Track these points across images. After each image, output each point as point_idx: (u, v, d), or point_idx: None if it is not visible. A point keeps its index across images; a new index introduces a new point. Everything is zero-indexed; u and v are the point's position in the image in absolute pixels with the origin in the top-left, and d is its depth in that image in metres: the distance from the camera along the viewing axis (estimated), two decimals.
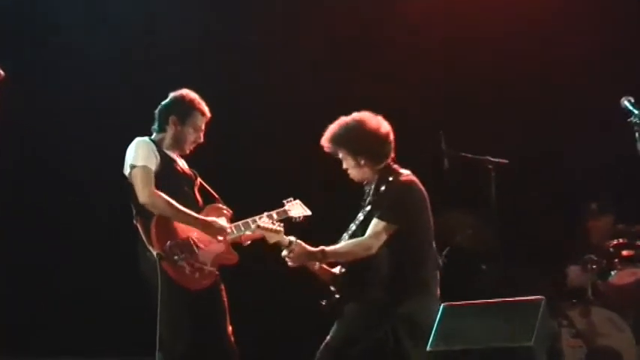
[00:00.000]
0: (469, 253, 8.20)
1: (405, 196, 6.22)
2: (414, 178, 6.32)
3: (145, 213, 6.46)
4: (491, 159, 7.93)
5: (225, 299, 6.69)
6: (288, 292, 8.73)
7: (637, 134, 5.94)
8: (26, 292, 9.27)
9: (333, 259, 6.25)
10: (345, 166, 6.42)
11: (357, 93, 8.29)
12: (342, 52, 9.27)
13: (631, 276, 8.19)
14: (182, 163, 6.78)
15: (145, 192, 6.40)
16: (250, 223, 6.64)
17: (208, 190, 6.86)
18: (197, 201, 6.74)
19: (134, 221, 6.54)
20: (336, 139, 6.38)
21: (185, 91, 6.77)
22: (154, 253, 6.34)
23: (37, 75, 9.30)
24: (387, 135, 6.35)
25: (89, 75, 9.25)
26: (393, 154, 6.37)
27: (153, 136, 6.72)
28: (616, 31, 8.92)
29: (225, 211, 6.76)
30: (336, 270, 6.32)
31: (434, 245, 6.34)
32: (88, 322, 9.18)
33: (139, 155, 6.51)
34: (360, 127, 6.33)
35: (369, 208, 6.26)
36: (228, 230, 6.60)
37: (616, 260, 8.22)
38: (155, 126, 6.75)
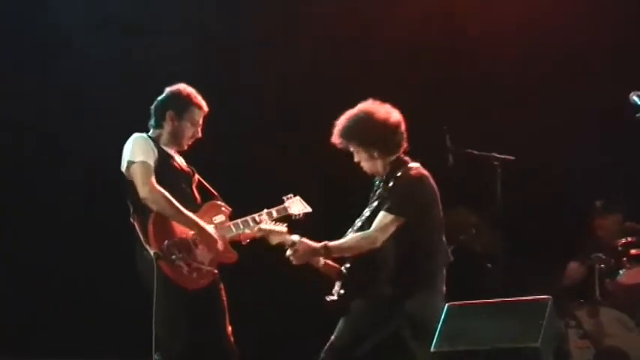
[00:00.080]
0: (474, 252, 8.05)
1: (415, 190, 5.99)
2: (424, 171, 6.09)
3: (142, 211, 6.25)
4: (497, 155, 7.74)
5: (225, 299, 6.49)
6: (289, 291, 8.63)
7: None
8: (26, 292, 9.14)
9: (337, 254, 6.03)
10: (356, 159, 6.19)
11: (358, 88, 8.08)
12: (341, 52, 9.17)
13: None
14: (180, 160, 6.58)
15: (145, 187, 6.20)
16: (250, 221, 6.46)
17: (207, 187, 6.66)
18: (195, 198, 6.54)
19: (131, 219, 6.34)
20: (346, 133, 6.13)
21: (182, 86, 6.59)
22: (151, 252, 6.13)
23: (37, 75, 9.19)
24: (397, 124, 6.12)
25: (89, 75, 9.11)
26: (405, 145, 6.14)
27: (150, 133, 6.52)
28: (622, 26, 8.84)
29: (224, 209, 6.55)
30: (342, 266, 6.10)
31: (444, 240, 6.12)
32: (88, 322, 9.05)
33: (138, 151, 6.31)
34: (369, 118, 6.09)
35: (376, 203, 6.04)
36: (221, 242, 6.38)
37: (625, 259, 8.01)
38: (152, 122, 6.55)
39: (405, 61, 8.97)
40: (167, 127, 6.50)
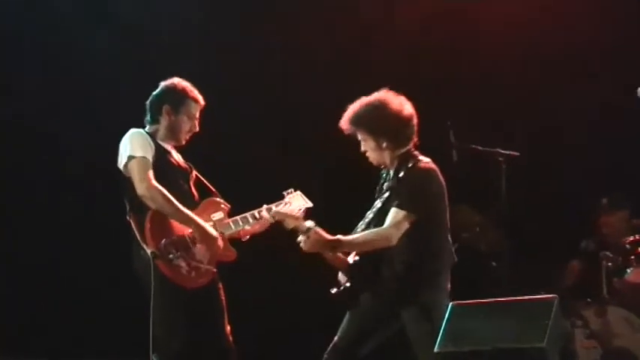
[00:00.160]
0: (478, 250, 7.92)
1: (425, 184, 5.79)
2: (433, 165, 5.88)
3: (138, 209, 6.05)
4: (502, 151, 7.56)
5: (223, 298, 6.30)
6: (289, 290, 8.60)
7: None
8: (26, 292, 9.03)
9: (350, 249, 5.83)
10: (363, 148, 5.97)
11: (358, 89, 8.02)
12: (341, 52, 9.08)
13: None
14: (177, 156, 6.39)
15: (142, 184, 6.00)
16: (249, 217, 6.28)
17: (205, 183, 6.47)
18: (193, 195, 6.35)
19: (127, 217, 6.15)
20: (356, 120, 5.92)
21: (176, 80, 6.42)
22: (148, 251, 5.93)
23: (37, 75, 9.07)
24: (410, 117, 5.92)
25: (89, 74, 9.00)
26: (415, 139, 5.94)
27: (146, 128, 6.33)
28: (622, 26, 8.75)
29: (222, 206, 6.35)
30: (349, 258, 5.91)
31: (449, 238, 5.93)
32: (87, 322, 8.94)
33: (135, 146, 6.11)
34: (382, 107, 5.87)
35: (387, 194, 5.83)
36: (220, 240, 6.19)
37: (632, 257, 7.75)
38: (148, 117, 6.37)
39: (405, 61, 8.86)
40: (164, 121, 6.32)
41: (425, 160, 5.87)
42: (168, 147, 6.32)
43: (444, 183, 5.88)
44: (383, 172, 6.02)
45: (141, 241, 5.99)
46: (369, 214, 5.88)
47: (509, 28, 8.88)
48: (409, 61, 8.86)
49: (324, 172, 8.73)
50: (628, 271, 7.79)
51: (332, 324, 6.04)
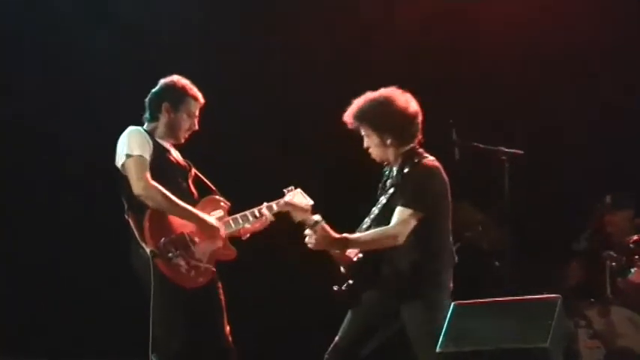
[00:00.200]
0: (480, 249, 7.83)
1: (429, 182, 5.68)
2: (437, 163, 5.78)
3: (137, 207, 5.94)
4: (505, 149, 7.44)
5: (223, 297, 6.19)
6: (289, 288, 8.56)
7: None
8: (26, 292, 8.96)
9: (356, 248, 5.70)
10: (366, 144, 5.85)
11: (358, 89, 8.00)
12: (342, 52, 9.01)
13: None
14: (176, 154, 6.27)
15: (139, 183, 5.88)
16: (249, 215, 6.17)
17: (204, 181, 6.36)
18: (192, 193, 6.23)
19: (125, 216, 6.04)
20: (361, 115, 5.80)
21: (176, 77, 6.30)
22: (147, 250, 5.82)
23: (37, 75, 9.01)
24: (415, 114, 5.81)
25: (89, 74, 8.94)
26: (420, 137, 5.84)
27: (145, 126, 6.21)
28: (622, 26, 8.71)
29: (222, 204, 6.23)
30: (353, 256, 5.79)
31: (451, 238, 5.82)
32: (87, 322, 8.88)
33: (133, 144, 5.99)
34: (388, 103, 5.77)
35: (391, 190, 5.71)
36: (223, 229, 6.09)
37: (636, 257, 7.66)
38: (147, 115, 6.25)
39: (405, 61, 8.78)
40: (163, 119, 6.20)
41: (429, 158, 5.78)
42: (167, 145, 6.21)
43: (447, 182, 5.78)
44: (386, 169, 5.92)
45: (140, 240, 5.89)
46: (375, 210, 5.77)
47: (509, 28, 8.84)
48: (409, 61, 8.79)
49: (324, 172, 8.66)
50: (632, 270, 7.70)
51: (332, 323, 5.97)
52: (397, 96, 5.81)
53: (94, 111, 8.88)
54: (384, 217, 5.66)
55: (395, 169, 5.80)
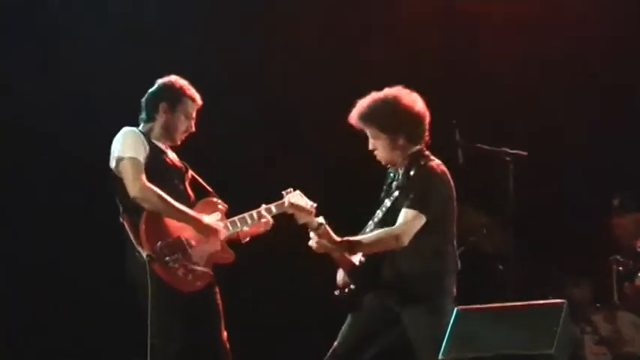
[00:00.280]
0: (485, 253, 7.70)
1: (435, 185, 5.51)
2: (444, 167, 5.60)
3: (132, 210, 5.76)
4: (509, 150, 7.22)
5: (220, 302, 6.01)
6: (289, 289, 8.45)
7: None
8: (26, 292, 8.76)
9: (360, 250, 5.53)
10: (371, 146, 5.65)
11: (358, 89, 7.92)
12: (342, 52, 8.90)
13: None
14: (172, 155, 6.08)
15: (136, 185, 5.70)
16: (247, 218, 5.96)
17: (201, 183, 6.18)
18: (188, 195, 6.04)
19: (120, 219, 5.87)
20: (368, 115, 5.61)
21: (174, 77, 6.11)
22: (144, 254, 5.63)
23: (37, 75, 8.79)
24: (424, 114, 5.66)
25: (89, 74, 8.74)
26: (427, 138, 5.67)
27: (141, 127, 6.02)
28: (622, 26, 8.66)
29: (220, 206, 6.04)
30: (355, 260, 5.64)
31: (455, 243, 5.64)
32: (87, 322, 8.70)
33: (128, 146, 5.81)
34: (396, 102, 5.59)
35: (396, 193, 5.53)
36: (223, 230, 5.92)
37: None
38: (143, 115, 6.05)
39: (405, 61, 8.67)
40: (160, 120, 6.01)
41: (436, 161, 5.60)
42: (163, 146, 6.03)
43: (453, 186, 5.60)
44: (390, 171, 5.73)
45: (135, 244, 5.71)
46: (379, 213, 5.61)
47: (509, 28, 8.76)
48: (409, 61, 8.68)
49: (324, 173, 8.53)
50: (639, 275, 7.56)
51: (331, 323, 5.86)
52: (404, 95, 5.65)
53: (94, 111, 8.69)
54: (389, 221, 5.49)
55: (400, 171, 5.61)
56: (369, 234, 5.53)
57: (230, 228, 5.94)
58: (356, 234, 5.62)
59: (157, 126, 6.00)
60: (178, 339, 5.73)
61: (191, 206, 5.94)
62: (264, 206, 6.03)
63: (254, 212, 5.99)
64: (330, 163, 8.60)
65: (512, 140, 7.85)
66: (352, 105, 5.78)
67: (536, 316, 5.05)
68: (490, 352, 4.95)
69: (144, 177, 5.72)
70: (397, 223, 5.42)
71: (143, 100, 6.11)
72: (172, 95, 6.02)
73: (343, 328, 5.67)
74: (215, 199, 6.08)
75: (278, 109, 8.87)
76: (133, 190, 5.71)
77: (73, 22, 8.77)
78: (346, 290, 5.58)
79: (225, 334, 5.99)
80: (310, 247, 5.47)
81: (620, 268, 7.55)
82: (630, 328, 7.42)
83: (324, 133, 8.03)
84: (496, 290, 7.38)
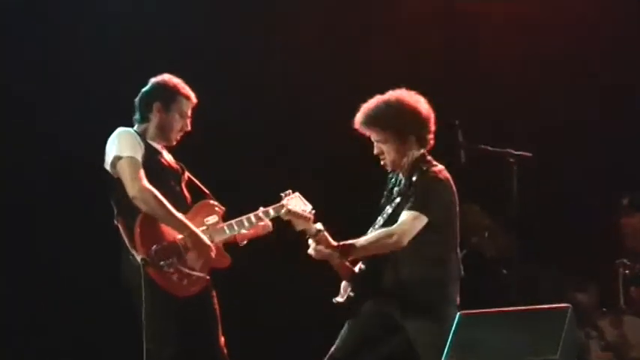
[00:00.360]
0: (487, 257, 7.51)
1: (437, 190, 5.35)
2: (447, 174, 5.45)
3: (127, 212, 5.58)
4: (513, 152, 6.92)
5: (217, 306, 5.82)
6: (289, 289, 8.31)
7: None
8: (26, 292, 8.64)
9: (359, 253, 5.36)
10: (377, 150, 5.48)
11: (358, 89, 7.75)
12: (342, 52, 8.75)
13: None
14: (168, 156, 5.88)
15: (135, 185, 5.50)
16: (245, 221, 5.76)
17: (198, 185, 5.98)
18: (185, 197, 5.84)
19: (115, 221, 5.70)
20: (373, 119, 5.45)
21: (167, 76, 5.93)
22: (138, 258, 5.44)
23: (37, 74, 8.65)
24: (429, 116, 5.52)
25: (90, 74, 8.60)
26: (432, 142, 5.52)
27: (135, 127, 5.83)
28: (622, 26, 8.51)
29: (217, 209, 5.83)
30: (355, 267, 5.51)
31: (458, 250, 5.47)
32: (87, 322, 8.57)
33: (124, 146, 5.63)
34: (401, 105, 5.43)
35: (398, 199, 5.37)
36: (214, 251, 5.71)
37: None
38: (137, 116, 5.86)
39: (405, 61, 8.53)
40: (154, 119, 5.81)
41: (438, 167, 5.45)
42: (159, 147, 5.84)
43: (455, 192, 5.45)
44: (391, 175, 5.56)
45: (130, 247, 5.54)
46: (380, 220, 5.44)
47: (509, 28, 8.62)
48: (409, 61, 8.54)
49: (324, 173, 8.40)
50: None
51: (331, 323, 5.75)
52: (408, 96, 5.50)
53: (94, 111, 8.51)
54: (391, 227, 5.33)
55: (402, 177, 5.45)
56: (368, 235, 5.39)
57: (227, 231, 5.76)
58: (356, 235, 5.46)
59: (152, 126, 5.82)
60: (174, 344, 5.56)
61: (188, 208, 5.77)
62: (261, 209, 5.84)
63: (252, 215, 5.80)
64: (330, 163, 8.46)
65: (513, 140, 7.67)
66: (352, 105, 5.65)
67: (541, 321, 4.89)
68: (493, 357, 4.81)
69: (143, 177, 5.54)
70: (396, 224, 5.29)
71: (136, 100, 5.93)
72: (166, 94, 5.84)
73: (342, 332, 5.52)
74: (212, 202, 5.89)
75: (278, 109, 8.74)
76: (132, 190, 5.53)
77: (73, 22, 8.63)
78: (346, 297, 5.44)
79: (222, 339, 5.82)
80: (309, 254, 5.35)
81: (627, 271, 7.32)
82: (637, 333, 7.19)
83: (324, 133, 7.91)
84: (499, 293, 7.21)
